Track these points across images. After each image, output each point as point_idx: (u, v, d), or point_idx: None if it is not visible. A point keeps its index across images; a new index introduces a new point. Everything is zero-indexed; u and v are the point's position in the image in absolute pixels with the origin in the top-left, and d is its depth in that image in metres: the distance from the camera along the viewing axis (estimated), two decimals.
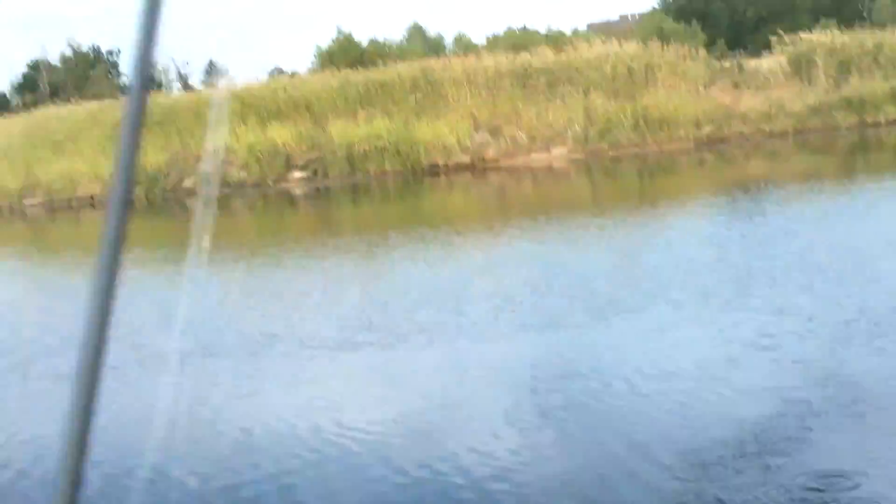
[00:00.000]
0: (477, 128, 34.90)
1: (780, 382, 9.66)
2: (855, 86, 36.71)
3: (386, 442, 8.87)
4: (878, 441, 7.84)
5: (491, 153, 34.07)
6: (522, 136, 34.42)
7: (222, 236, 26.75)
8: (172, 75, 59.46)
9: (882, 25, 45.12)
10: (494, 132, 34.71)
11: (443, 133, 34.28)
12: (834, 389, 9.21)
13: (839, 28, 43.20)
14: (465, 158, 33.75)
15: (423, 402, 10.02)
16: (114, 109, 40.32)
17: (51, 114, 42.53)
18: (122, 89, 54.27)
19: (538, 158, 33.88)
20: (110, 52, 62.22)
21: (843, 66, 38.23)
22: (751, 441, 7.89)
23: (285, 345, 13.11)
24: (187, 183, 33.55)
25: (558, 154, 34.12)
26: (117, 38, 64.11)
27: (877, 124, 34.92)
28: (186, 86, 57.10)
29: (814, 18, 49.90)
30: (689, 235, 20.37)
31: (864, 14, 53.04)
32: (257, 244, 24.07)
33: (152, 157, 33.96)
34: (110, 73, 60.70)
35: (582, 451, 8.17)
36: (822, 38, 40.15)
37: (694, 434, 8.22)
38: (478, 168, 33.60)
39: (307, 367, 12.15)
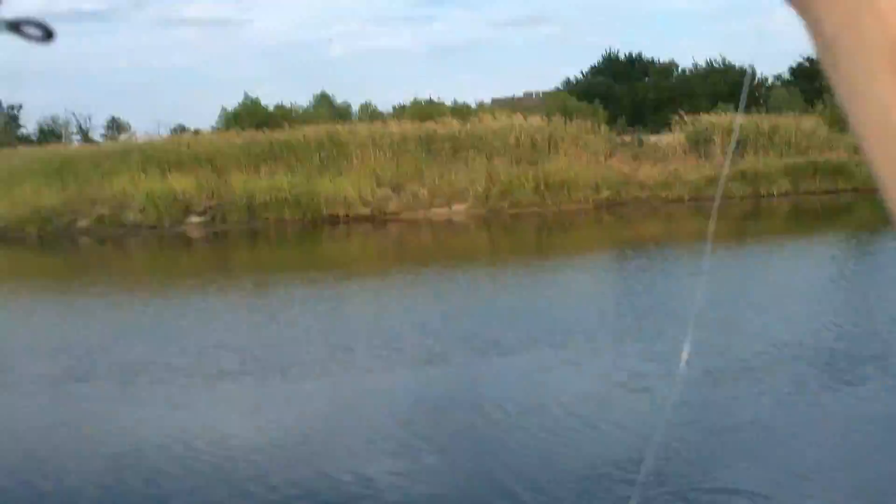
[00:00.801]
0: (379, 184, 34.98)
1: (646, 420, 10.17)
2: (750, 161, 37.66)
3: (268, 464, 8.90)
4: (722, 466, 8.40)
5: (392, 207, 34.14)
6: (424, 193, 34.56)
7: (112, 272, 26.40)
8: (73, 129, 59.68)
9: (777, 111, 46.52)
10: (397, 188, 34.82)
11: (345, 188, 34.28)
12: (697, 430, 9.69)
13: (736, 112, 44.37)
14: (366, 211, 33.75)
15: (303, 431, 10.09)
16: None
17: None
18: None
19: (438, 213, 34.03)
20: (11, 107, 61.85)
21: (740, 145, 39.22)
22: (614, 469, 8.35)
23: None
24: (81, 223, 32.99)
25: (459, 210, 34.31)
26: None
27: (770, 195, 35.82)
28: (87, 139, 56.90)
29: (712, 103, 51.17)
30: (577, 286, 20.58)
31: (761, 101, 54.61)
32: (140, 282, 23.70)
33: (47, 199, 33.43)
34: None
35: (458, 474, 8.53)
36: (720, 119, 41.19)
37: (563, 462, 8.71)
38: (377, 220, 33.61)
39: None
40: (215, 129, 49.62)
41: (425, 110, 49.26)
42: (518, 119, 40.75)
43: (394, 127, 39.99)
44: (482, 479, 8.24)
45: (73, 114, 60.08)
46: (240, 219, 33.34)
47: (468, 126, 39.80)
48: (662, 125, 48.27)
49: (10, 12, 0.54)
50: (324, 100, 58.04)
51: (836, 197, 33.76)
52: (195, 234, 32.64)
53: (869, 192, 33.86)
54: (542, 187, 35.00)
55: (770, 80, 62.90)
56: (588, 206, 34.77)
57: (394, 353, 13.59)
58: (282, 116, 49.67)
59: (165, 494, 8.21)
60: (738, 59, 63.49)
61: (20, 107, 61.46)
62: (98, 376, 12.95)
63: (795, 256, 23.40)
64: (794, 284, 18.73)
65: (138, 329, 16.50)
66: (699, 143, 40.06)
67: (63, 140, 54.14)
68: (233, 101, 55.18)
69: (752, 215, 33.28)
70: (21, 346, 15.78)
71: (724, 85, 58.38)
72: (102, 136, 58.74)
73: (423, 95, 58.43)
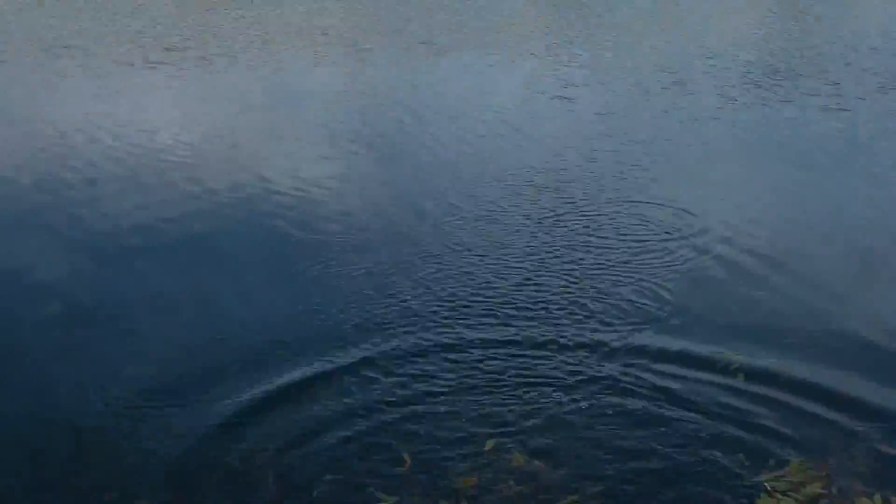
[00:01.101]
0: None
1: (563, 128, 10.29)
2: None
3: (193, 159, 9.41)
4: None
5: None
6: None
7: None
8: None
9: None
10: None
11: None
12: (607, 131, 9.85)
13: None
14: None
15: (227, 126, 9.88)
16: None
17: None
18: None
19: None
20: None
21: None
22: (523, 178, 8.54)
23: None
24: None
25: None
26: None
27: None
28: None
29: None
30: None
31: None
32: None
33: None
34: None
35: (387, 179, 9.01)
36: None
37: (480, 169, 8.82)
38: None
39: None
40: None
41: None
42: None
43: None
44: (406, 186, 8.32)
45: None
46: None
47: None
48: None
49: None
50: None
51: None
52: None
53: None
54: None
55: None
56: None
57: (321, 47, 13.25)
58: None
59: (89, 195, 8.12)
60: None
61: None
62: (17, 54, 12.50)
63: None
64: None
65: (62, 7, 15.85)
66: None
67: None
68: None
69: None
70: None
71: None
72: None
73: None
